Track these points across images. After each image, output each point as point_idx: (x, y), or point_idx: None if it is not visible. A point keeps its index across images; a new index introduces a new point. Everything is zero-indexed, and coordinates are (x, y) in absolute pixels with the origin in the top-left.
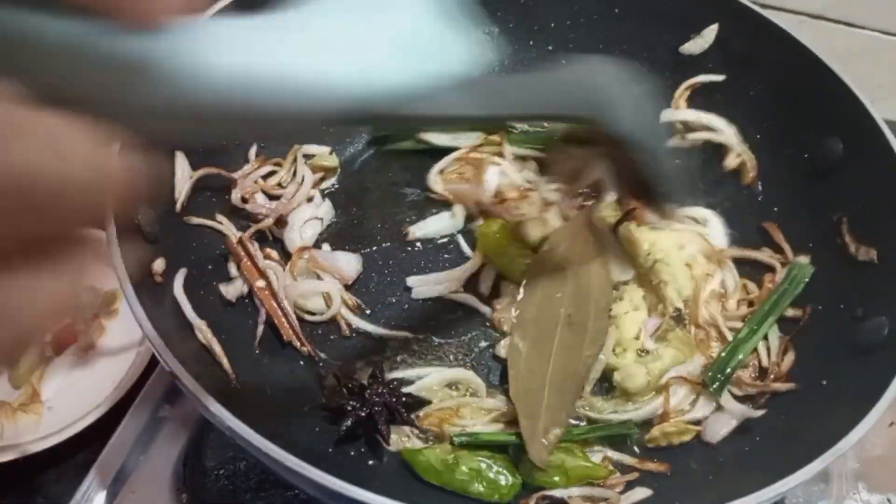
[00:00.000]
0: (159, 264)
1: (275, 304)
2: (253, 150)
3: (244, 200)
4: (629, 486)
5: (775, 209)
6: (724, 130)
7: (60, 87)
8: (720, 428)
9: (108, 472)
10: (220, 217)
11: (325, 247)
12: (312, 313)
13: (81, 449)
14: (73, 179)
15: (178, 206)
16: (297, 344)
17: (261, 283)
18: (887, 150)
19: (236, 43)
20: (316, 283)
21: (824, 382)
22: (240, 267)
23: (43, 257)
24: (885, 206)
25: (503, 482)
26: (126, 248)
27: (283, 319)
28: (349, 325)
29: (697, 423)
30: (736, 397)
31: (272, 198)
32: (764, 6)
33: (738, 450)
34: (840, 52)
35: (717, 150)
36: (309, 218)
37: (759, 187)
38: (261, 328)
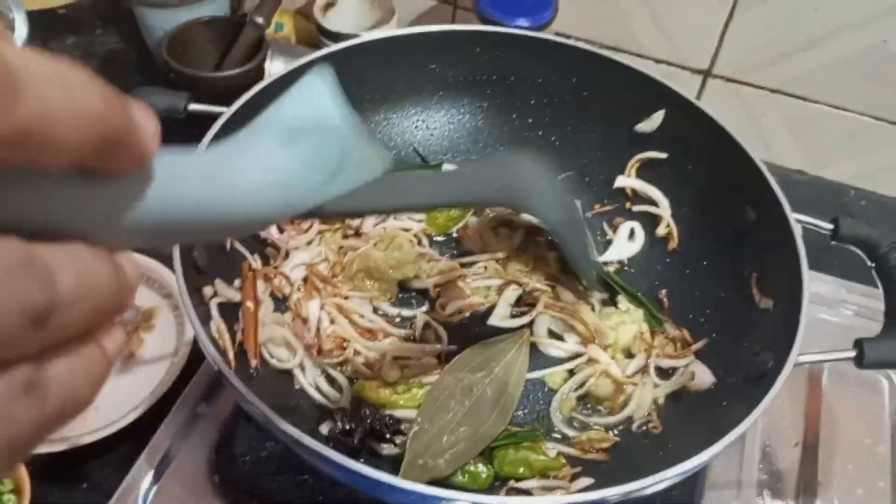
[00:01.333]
0: (207, 290)
1: (251, 326)
2: None
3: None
4: (576, 476)
5: (703, 263)
6: (661, 202)
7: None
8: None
9: (154, 458)
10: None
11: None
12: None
13: (122, 444)
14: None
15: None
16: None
17: (249, 304)
18: (785, 220)
19: (186, 172)
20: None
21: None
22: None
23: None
24: (781, 266)
25: (481, 473)
26: (188, 279)
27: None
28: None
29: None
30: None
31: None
32: (729, 80)
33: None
34: (791, 121)
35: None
36: (300, 263)
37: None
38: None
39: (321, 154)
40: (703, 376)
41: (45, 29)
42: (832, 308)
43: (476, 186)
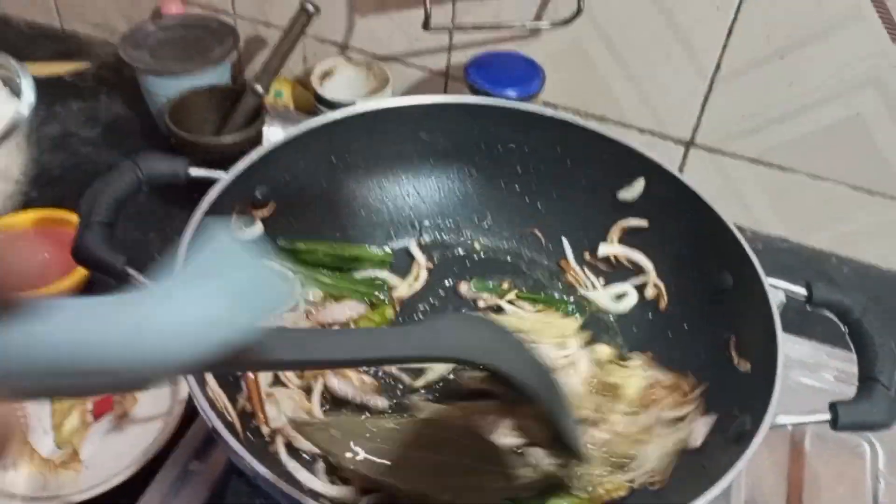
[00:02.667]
0: None
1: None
2: None
3: None
4: None
5: (685, 326)
6: (646, 266)
7: None
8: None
9: None
10: None
11: None
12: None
13: (114, 502)
14: None
15: None
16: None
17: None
18: (760, 285)
19: (87, 317)
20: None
21: (696, 456)
22: None
23: None
24: (757, 329)
25: None
26: None
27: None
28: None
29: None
30: None
31: None
32: (711, 150)
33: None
34: (772, 190)
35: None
36: None
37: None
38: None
39: (223, 290)
40: (699, 431)
41: (51, 95)
42: (813, 372)
43: (435, 340)
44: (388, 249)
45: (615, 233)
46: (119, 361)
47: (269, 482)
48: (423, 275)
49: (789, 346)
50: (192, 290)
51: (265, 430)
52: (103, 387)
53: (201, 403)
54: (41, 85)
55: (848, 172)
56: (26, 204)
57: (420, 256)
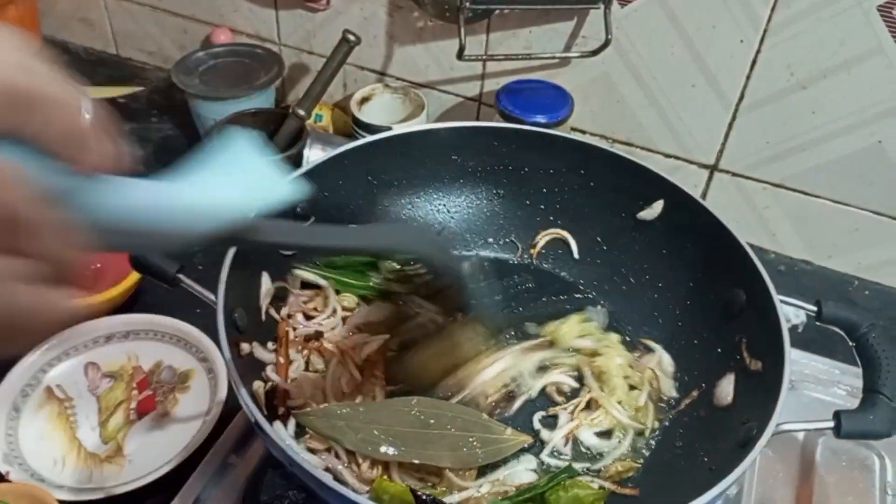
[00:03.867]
0: (245, 346)
1: (283, 377)
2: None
3: (289, 316)
4: None
5: (704, 335)
6: None
7: None
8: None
9: (187, 502)
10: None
11: None
12: None
13: (154, 495)
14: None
15: (263, 311)
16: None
17: (281, 360)
18: (771, 301)
19: (136, 189)
20: None
21: (706, 459)
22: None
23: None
24: (768, 343)
25: None
26: (228, 335)
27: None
28: None
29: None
30: None
31: (308, 318)
32: (735, 175)
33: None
34: (794, 214)
35: None
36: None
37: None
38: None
39: (241, 177)
40: (726, 390)
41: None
42: (826, 388)
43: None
44: None
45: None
46: (160, 225)
47: (304, 470)
48: None
49: (805, 363)
50: (217, 178)
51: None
52: (147, 246)
53: (244, 398)
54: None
55: (870, 199)
56: None
57: None
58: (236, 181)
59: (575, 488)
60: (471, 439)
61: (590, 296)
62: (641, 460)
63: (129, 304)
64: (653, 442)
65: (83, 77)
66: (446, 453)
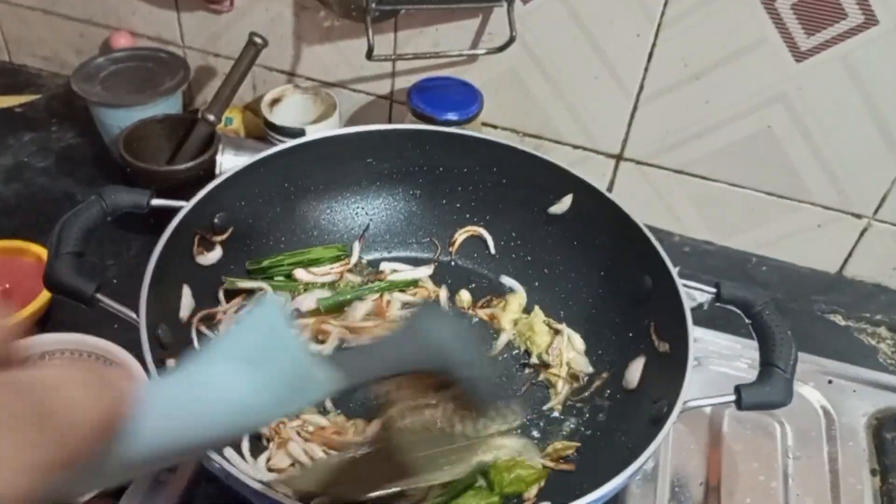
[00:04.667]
0: (171, 362)
1: None
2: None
3: None
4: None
5: (616, 321)
6: None
7: None
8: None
9: None
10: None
11: None
12: None
13: None
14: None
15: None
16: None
17: None
18: (674, 286)
19: (169, 404)
20: None
21: (623, 438)
22: None
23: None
24: (674, 325)
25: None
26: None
27: None
28: None
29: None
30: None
31: None
32: (639, 163)
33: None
34: (696, 198)
35: None
36: None
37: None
38: None
39: (275, 379)
40: (634, 373)
41: (3, 127)
42: (730, 362)
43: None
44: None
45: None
46: (192, 441)
47: (240, 482)
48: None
49: (710, 340)
50: (243, 375)
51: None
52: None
53: None
54: None
55: (763, 180)
56: None
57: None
58: (275, 380)
59: (517, 468)
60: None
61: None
62: (578, 442)
63: (40, 323)
64: (579, 421)
65: None
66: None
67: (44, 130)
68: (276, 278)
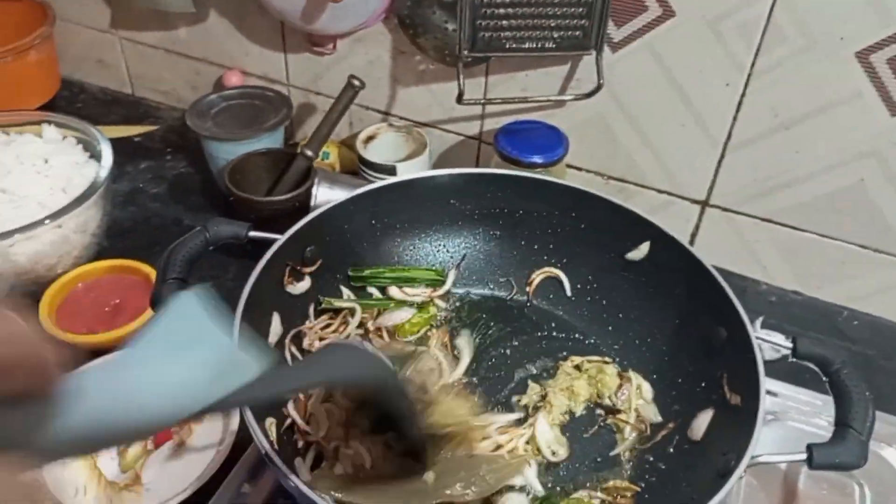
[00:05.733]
0: None
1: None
2: (311, 308)
3: (311, 347)
4: None
5: (688, 370)
6: None
7: None
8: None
9: None
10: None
11: None
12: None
13: None
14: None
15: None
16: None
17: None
18: (747, 337)
19: (91, 392)
20: None
21: (687, 488)
22: None
23: None
24: (746, 377)
25: None
26: None
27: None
28: None
29: None
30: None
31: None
32: (725, 210)
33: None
34: (783, 247)
35: None
36: None
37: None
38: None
39: (201, 363)
40: (700, 425)
41: (122, 155)
42: (808, 418)
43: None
44: (437, 268)
45: None
46: (125, 422)
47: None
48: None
49: (789, 395)
50: (177, 363)
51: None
52: (108, 442)
53: (257, 435)
54: (113, 145)
55: (855, 233)
56: (99, 254)
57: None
58: (200, 365)
59: None
60: (481, 473)
61: (586, 339)
62: (639, 486)
63: None
64: (642, 466)
65: (98, 117)
66: (464, 491)
67: (159, 159)
68: (369, 291)
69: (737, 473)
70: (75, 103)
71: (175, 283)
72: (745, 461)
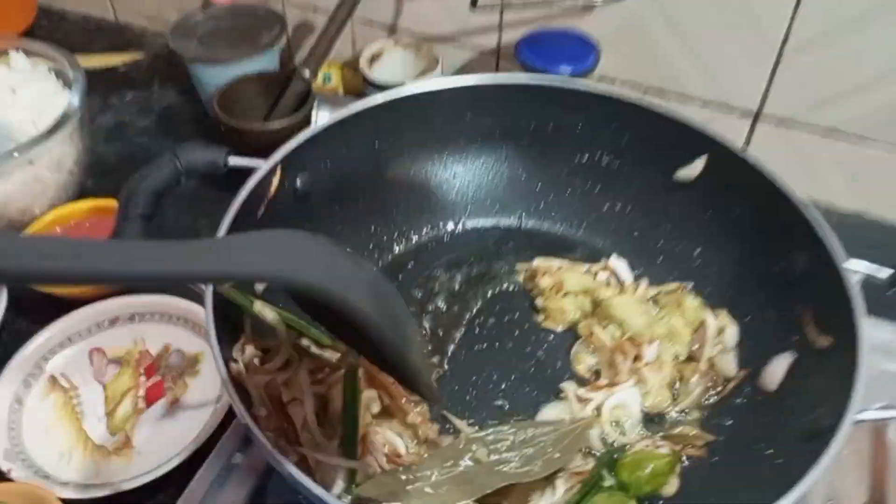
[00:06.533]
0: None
1: None
2: None
3: None
4: None
5: (757, 308)
6: None
7: None
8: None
9: None
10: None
11: None
12: None
13: (164, 489)
14: None
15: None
16: None
17: None
18: (836, 270)
19: None
20: None
21: (769, 451)
22: None
23: None
24: (837, 313)
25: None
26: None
27: None
28: None
29: None
30: None
31: None
32: (780, 122)
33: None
34: (847, 164)
35: None
36: None
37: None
38: None
39: None
40: (776, 373)
41: (106, 86)
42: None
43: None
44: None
45: None
46: None
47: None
48: None
49: (870, 330)
50: None
51: None
52: None
53: (237, 404)
54: (96, 76)
55: None
56: (81, 193)
57: None
58: None
59: (648, 461)
60: (541, 445)
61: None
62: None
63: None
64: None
65: (81, 46)
66: (525, 469)
67: (146, 90)
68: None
69: (837, 439)
70: (55, 33)
71: (139, 221)
72: (847, 423)
